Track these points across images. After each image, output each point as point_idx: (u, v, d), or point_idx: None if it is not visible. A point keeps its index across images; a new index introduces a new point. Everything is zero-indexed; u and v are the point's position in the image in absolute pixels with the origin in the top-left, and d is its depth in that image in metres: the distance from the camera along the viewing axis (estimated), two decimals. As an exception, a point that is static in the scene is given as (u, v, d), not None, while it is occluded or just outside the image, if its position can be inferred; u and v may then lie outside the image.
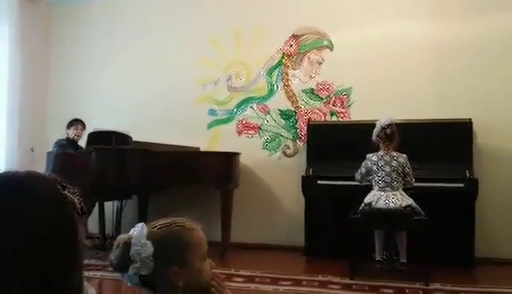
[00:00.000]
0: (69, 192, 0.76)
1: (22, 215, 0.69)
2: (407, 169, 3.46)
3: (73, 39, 5.43)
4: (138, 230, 1.10)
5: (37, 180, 0.75)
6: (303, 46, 4.72)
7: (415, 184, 3.51)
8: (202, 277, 1.14)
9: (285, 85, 4.75)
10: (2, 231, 0.67)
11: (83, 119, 4.73)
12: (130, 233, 1.12)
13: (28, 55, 5.03)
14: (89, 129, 4.53)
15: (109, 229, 4.50)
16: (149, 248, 1.07)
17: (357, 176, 3.60)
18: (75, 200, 0.76)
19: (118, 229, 4.55)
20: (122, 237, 1.11)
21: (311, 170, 4.13)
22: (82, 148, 4.60)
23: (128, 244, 1.08)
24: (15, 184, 0.73)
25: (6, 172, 0.75)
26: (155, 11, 5.15)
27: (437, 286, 3.22)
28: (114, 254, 1.09)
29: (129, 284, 1.10)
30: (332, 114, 4.60)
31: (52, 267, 0.70)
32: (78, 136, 4.67)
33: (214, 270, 1.21)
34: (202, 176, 4.12)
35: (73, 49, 5.42)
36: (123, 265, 1.07)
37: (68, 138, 4.64)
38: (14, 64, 4.83)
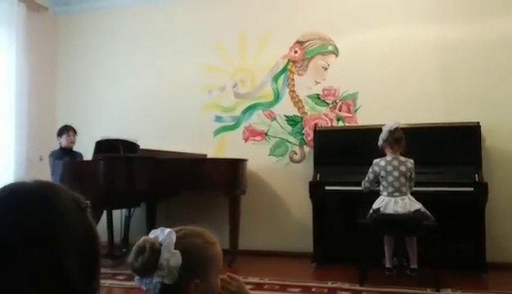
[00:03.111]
0: (79, 196, 0.76)
1: (47, 225, 0.68)
2: (413, 175, 3.46)
3: (79, 48, 5.48)
4: (167, 237, 1.07)
5: (58, 191, 0.74)
6: (308, 51, 4.72)
7: (424, 189, 3.49)
8: (215, 290, 1.14)
9: (290, 91, 4.75)
10: (23, 240, 0.66)
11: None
12: (154, 236, 1.09)
13: (35, 64, 5.07)
14: (96, 137, 4.54)
15: (117, 238, 4.50)
16: (178, 258, 1.05)
17: (366, 184, 3.56)
18: (89, 204, 0.77)
19: (126, 238, 4.56)
20: (147, 240, 1.07)
21: (318, 175, 4.11)
22: (79, 153, 4.60)
23: (156, 250, 1.05)
24: (37, 194, 0.71)
25: (22, 182, 0.73)
26: (161, 18, 5.19)
27: (448, 291, 3.18)
28: (141, 257, 1.05)
29: (144, 288, 1.08)
30: (338, 120, 4.59)
31: (74, 275, 0.69)
32: (72, 143, 4.59)
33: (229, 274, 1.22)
34: (209, 183, 4.11)
35: (79, 57, 5.47)
36: (147, 270, 1.05)
37: (61, 147, 4.57)
38: (21, 74, 4.87)
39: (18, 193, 0.71)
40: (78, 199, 0.74)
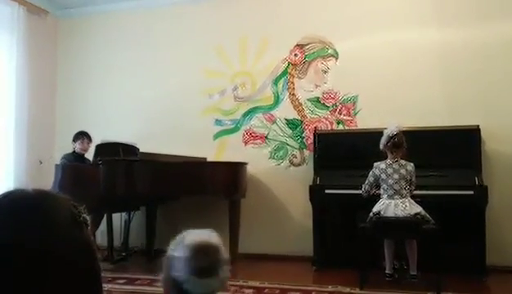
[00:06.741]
0: (78, 210, 0.74)
1: (44, 237, 0.66)
2: (414, 178, 3.46)
3: (79, 52, 5.49)
4: (218, 239, 1.08)
5: (55, 201, 0.72)
6: (308, 55, 4.73)
7: (425, 193, 3.49)
8: None
9: (290, 94, 4.75)
10: (15, 250, 0.64)
11: (90, 131, 4.73)
12: (203, 238, 1.09)
13: (35, 67, 5.08)
14: (96, 141, 4.54)
15: (116, 241, 4.49)
16: (227, 271, 1.09)
17: (366, 187, 3.56)
18: (87, 219, 0.74)
19: (126, 241, 4.55)
20: (203, 241, 1.07)
21: (318, 179, 4.11)
22: (89, 161, 4.58)
23: (218, 250, 1.06)
24: (34, 205, 0.69)
25: (18, 190, 0.71)
26: (161, 22, 5.19)
27: (448, 295, 3.17)
28: (208, 258, 1.05)
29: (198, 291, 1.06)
30: (338, 123, 4.59)
31: (79, 290, 0.68)
32: (84, 150, 4.61)
33: None
34: (209, 187, 4.11)
35: (79, 61, 5.47)
36: (213, 269, 1.05)
37: (74, 152, 4.61)
38: (21, 78, 4.87)
39: (14, 201, 0.69)
40: (75, 213, 0.71)
